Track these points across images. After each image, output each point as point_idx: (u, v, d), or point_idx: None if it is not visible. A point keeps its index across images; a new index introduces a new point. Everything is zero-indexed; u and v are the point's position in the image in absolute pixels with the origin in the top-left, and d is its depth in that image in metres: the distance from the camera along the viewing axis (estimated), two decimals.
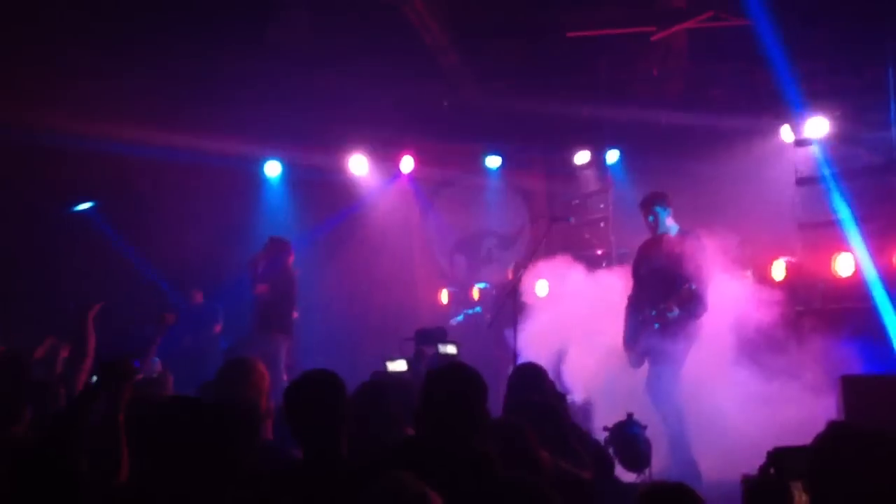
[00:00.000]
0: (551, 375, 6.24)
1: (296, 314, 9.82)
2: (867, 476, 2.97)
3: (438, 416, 3.87)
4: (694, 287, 7.50)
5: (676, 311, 7.60)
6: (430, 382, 4.01)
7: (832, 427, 3.22)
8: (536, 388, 5.64)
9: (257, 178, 12.18)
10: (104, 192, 10.95)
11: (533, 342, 8.33)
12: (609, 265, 10.08)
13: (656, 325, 7.73)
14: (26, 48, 9.39)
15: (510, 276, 9.05)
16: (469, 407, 3.87)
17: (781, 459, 4.10)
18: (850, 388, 6.62)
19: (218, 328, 11.09)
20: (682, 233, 8.00)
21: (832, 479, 3.01)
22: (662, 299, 7.64)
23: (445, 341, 7.92)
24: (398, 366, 7.54)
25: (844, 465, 2.99)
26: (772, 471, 4.32)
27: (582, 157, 11.35)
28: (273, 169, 12.14)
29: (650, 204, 8.09)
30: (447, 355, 7.81)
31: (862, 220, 9.03)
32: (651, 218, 8.05)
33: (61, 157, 10.42)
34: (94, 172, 10.95)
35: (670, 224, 8.06)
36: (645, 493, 3.21)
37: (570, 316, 9.03)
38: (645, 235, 8.24)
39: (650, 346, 7.72)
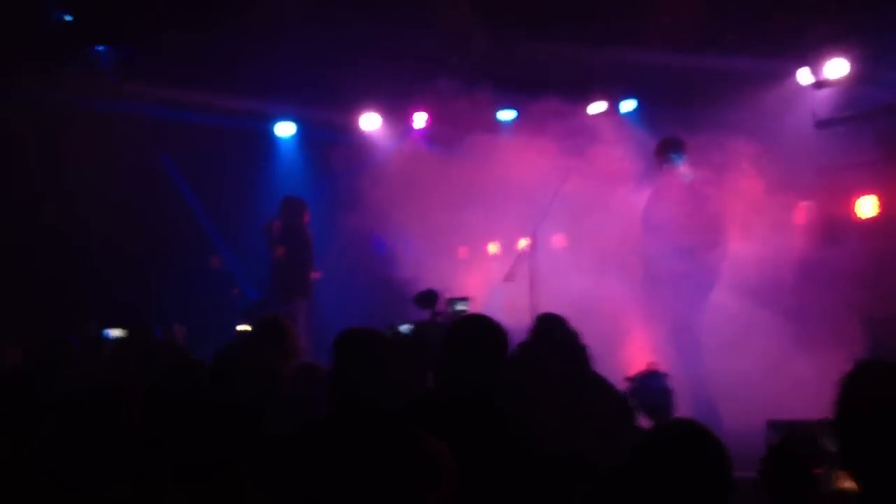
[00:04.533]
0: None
1: (317, 274, 9.81)
2: None
3: (460, 367, 3.87)
4: (713, 240, 7.44)
5: (697, 260, 7.55)
6: (452, 333, 4.00)
7: (859, 366, 3.08)
8: (557, 339, 5.61)
9: (270, 139, 12.13)
10: (112, 154, 10.89)
11: (552, 294, 8.29)
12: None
13: (674, 270, 7.68)
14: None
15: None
16: (490, 356, 3.87)
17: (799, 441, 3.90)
18: (875, 328, 6.55)
19: (235, 293, 11.10)
20: (696, 181, 7.92)
21: (862, 420, 2.87)
22: (679, 244, 7.57)
23: (456, 298, 7.91)
24: (404, 328, 7.56)
25: (875, 404, 2.86)
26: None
27: (597, 107, 11.22)
28: (285, 129, 12.09)
29: (665, 150, 8.02)
30: (459, 312, 7.82)
31: (883, 161, 8.88)
32: (666, 164, 7.98)
33: (72, 117, 10.41)
34: (114, 130, 10.91)
35: (685, 171, 7.98)
36: (657, 433, 3.12)
37: (590, 265, 9.00)
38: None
39: (670, 290, 7.68)
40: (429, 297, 7.69)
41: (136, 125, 10.84)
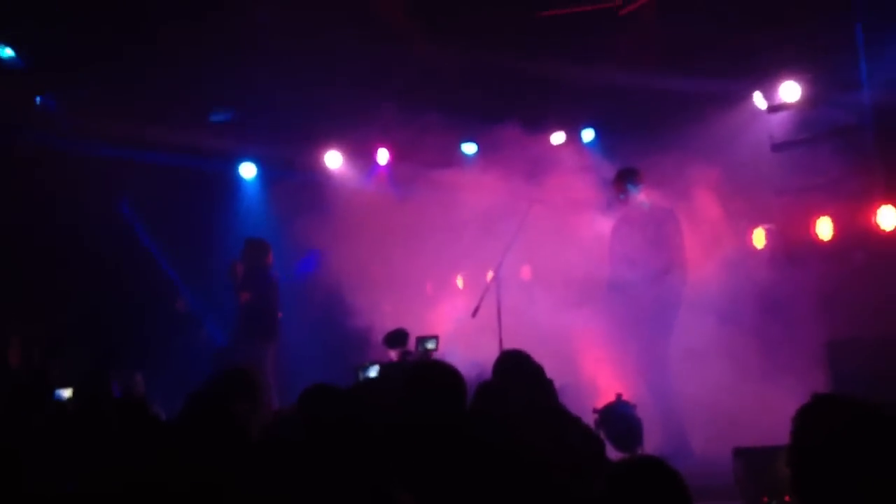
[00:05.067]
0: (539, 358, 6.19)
1: (279, 314, 9.78)
2: (851, 449, 2.92)
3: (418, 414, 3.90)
4: (671, 262, 7.53)
5: (659, 284, 7.63)
6: (409, 385, 4.03)
7: (814, 399, 3.16)
8: (520, 374, 5.61)
9: (233, 180, 12.12)
10: (81, 195, 10.82)
11: (518, 327, 8.31)
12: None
13: (639, 300, 7.75)
14: None
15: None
16: (448, 403, 3.90)
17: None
18: (837, 352, 6.62)
19: (203, 334, 11.03)
20: (655, 208, 8.01)
21: (814, 454, 2.95)
22: (641, 274, 7.65)
23: (425, 337, 7.92)
24: (372, 371, 7.57)
25: (827, 440, 2.94)
26: None
27: (557, 137, 11.31)
28: (248, 170, 12.08)
29: (621, 181, 8.12)
30: (428, 350, 7.83)
31: (838, 182, 9.02)
32: (622, 195, 8.08)
33: (37, 159, 10.33)
34: (70, 175, 10.82)
35: (642, 199, 8.07)
36: (616, 470, 3.14)
37: (555, 298, 9.03)
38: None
39: (635, 321, 7.74)
40: (398, 337, 7.70)
41: (94, 167, 10.76)
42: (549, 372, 6.37)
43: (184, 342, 10.67)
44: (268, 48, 10.07)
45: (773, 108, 9.98)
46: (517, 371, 5.61)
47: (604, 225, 8.87)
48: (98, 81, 10.14)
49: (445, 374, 4.21)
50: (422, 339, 7.97)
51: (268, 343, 9.30)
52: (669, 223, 8.07)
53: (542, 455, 4.68)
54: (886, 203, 8.59)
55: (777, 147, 9.80)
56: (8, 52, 9.41)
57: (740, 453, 5.53)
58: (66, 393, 6.69)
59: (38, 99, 10.19)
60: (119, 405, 4.65)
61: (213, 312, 11.10)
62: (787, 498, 5.19)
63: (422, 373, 4.24)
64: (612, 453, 6.29)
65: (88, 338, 10.17)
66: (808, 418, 3.06)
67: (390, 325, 8.04)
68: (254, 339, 9.21)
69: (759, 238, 9.40)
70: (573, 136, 11.35)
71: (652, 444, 6.90)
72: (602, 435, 6.32)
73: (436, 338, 8.00)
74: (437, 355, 7.87)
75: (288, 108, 10.94)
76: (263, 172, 12.15)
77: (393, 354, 7.78)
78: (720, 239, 8.70)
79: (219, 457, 4.15)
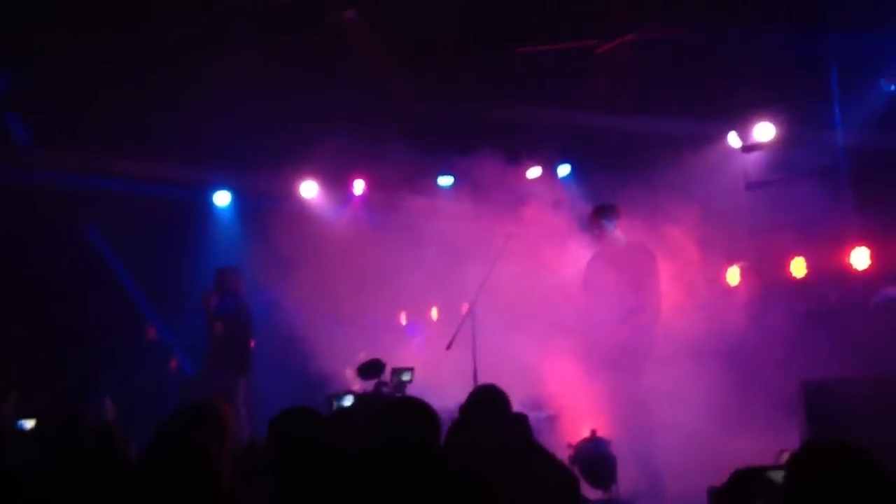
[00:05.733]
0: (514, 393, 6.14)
1: (252, 343, 9.68)
2: (844, 494, 2.93)
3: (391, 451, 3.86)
4: (645, 299, 7.54)
5: (633, 321, 7.63)
6: (382, 420, 4.00)
7: (808, 447, 3.20)
8: (494, 409, 5.56)
9: (206, 208, 12.03)
10: (49, 225, 10.71)
11: (493, 361, 8.27)
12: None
13: (613, 336, 7.74)
14: None
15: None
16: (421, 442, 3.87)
17: (749, 476, 4.05)
18: (811, 392, 6.62)
19: (173, 364, 10.90)
20: (631, 245, 8.03)
21: (807, 499, 2.97)
22: (615, 310, 7.65)
23: (401, 369, 7.86)
24: (346, 402, 7.49)
25: (822, 487, 2.95)
26: (738, 485, 4.27)
27: (533, 172, 11.34)
28: (223, 198, 12.00)
29: (596, 218, 8.15)
30: (403, 382, 7.76)
31: (812, 222, 9.09)
32: (598, 231, 8.10)
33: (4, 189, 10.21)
34: (38, 205, 10.72)
35: (618, 236, 8.10)
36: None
37: (530, 332, 9.00)
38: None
39: (610, 358, 7.72)
40: (373, 367, 7.63)
41: (63, 197, 10.66)
42: (523, 406, 6.35)
43: (153, 371, 10.55)
44: (245, 79, 10.07)
45: (748, 148, 10.06)
46: (491, 406, 5.56)
47: (579, 259, 8.86)
48: (68, 111, 10.07)
49: (419, 410, 4.16)
50: (397, 371, 7.91)
51: (240, 373, 9.19)
52: (644, 260, 8.10)
53: (515, 493, 4.64)
54: (860, 244, 8.67)
55: (751, 186, 9.87)
56: None
57: (716, 493, 5.48)
58: (29, 424, 6.51)
59: (6, 117, 10.05)
60: (89, 433, 4.55)
61: (182, 341, 10.96)
62: None
63: (394, 409, 4.19)
64: (587, 489, 6.26)
65: (56, 368, 10.00)
66: (801, 464, 3.09)
67: (364, 356, 7.97)
68: (226, 370, 9.10)
69: (733, 276, 9.44)
70: (549, 171, 11.37)
71: (626, 481, 6.86)
72: (576, 470, 6.26)
73: (411, 369, 7.94)
74: (411, 387, 7.81)
75: (264, 136, 10.90)
76: (238, 201, 12.06)
77: (367, 385, 7.70)
78: (695, 277, 8.72)
79: (184, 491, 4.07)
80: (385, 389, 7.63)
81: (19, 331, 10.07)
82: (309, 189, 11.85)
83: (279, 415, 4.21)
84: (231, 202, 12.06)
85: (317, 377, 9.88)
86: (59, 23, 8.89)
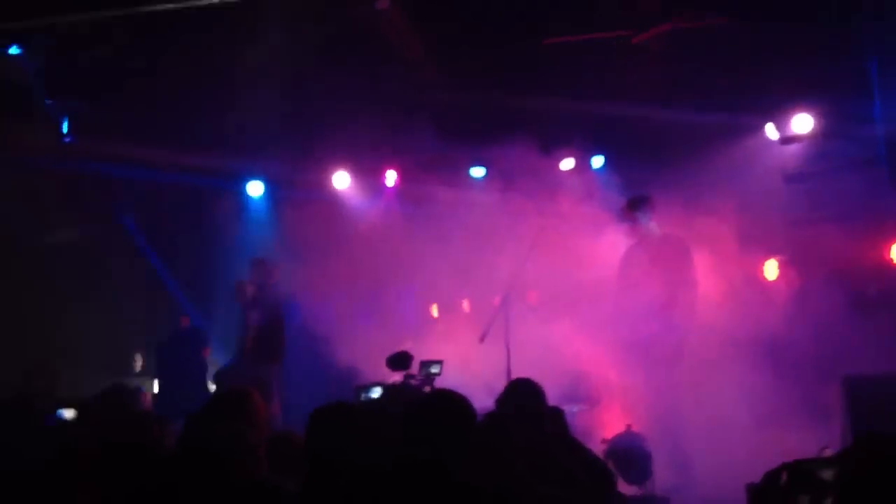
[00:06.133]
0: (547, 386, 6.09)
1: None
2: None
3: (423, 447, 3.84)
4: (680, 291, 7.46)
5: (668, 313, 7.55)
6: (416, 415, 3.97)
7: (863, 440, 3.13)
8: (529, 403, 5.52)
9: (241, 198, 12.07)
10: (85, 215, 10.79)
11: (527, 354, 8.21)
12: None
13: (648, 329, 7.66)
14: None
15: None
16: (454, 435, 3.83)
17: (796, 470, 3.97)
18: (852, 388, 6.52)
19: (206, 352, 10.95)
20: (665, 237, 7.94)
21: (863, 494, 2.90)
22: (651, 305, 7.57)
23: (430, 361, 7.81)
24: (374, 393, 7.46)
25: (876, 480, 2.88)
26: (783, 479, 4.20)
27: (567, 163, 11.26)
28: (256, 188, 12.04)
29: (629, 210, 8.06)
30: (432, 374, 7.72)
31: (852, 215, 8.95)
32: (632, 224, 8.02)
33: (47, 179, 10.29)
34: (76, 194, 10.81)
35: (652, 228, 8.01)
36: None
37: (565, 323, 8.95)
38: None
39: (642, 352, 7.66)
40: (402, 360, 7.58)
41: (100, 185, 10.73)
42: (556, 400, 6.30)
43: (187, 360, 10.59)
44: (278, 71, 10.07)
45: (786, 140, 9.92)
46: (526, 400, 5.52)
47: (614, 252, 8.78)
48: (106, 101, 10.12)
49: (453, 401, 4.11)
50: (426, 364, 7.85)
51: (274, 363, 9.20)
52: (679, 253, 8.00)
53: (549, 488, 4.60)
54: None
55: (790, 178, 9.74)
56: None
57: (756, 489, 5.39)
58: (69, 413, 6.50)
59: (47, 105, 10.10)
60: (126, 422, 4.57)
61: (216, 331, 11.02)
62: None
63: (428, 401, 4.15)
64: (622, 484, 6.21)
65: (91, 355, 10.09)
66: (856, 457, 3.02)
67: (394, 348, 7.92)
68: (261, 359, 9.11)
69: (771, 270, 9.31)
70: (583, 162, 11.29)
71: (661, 476, 6.79)
72: (611, 465, 6.21)
73: (440, 362, 7.88)
74: (440, 380, 7.78)
75: (297, 127, 10.90)
76: (270, 191, 12.10)
77: (396, 377, 7.67)
78: (731, 270, 8.61)
79: (225, 480, 4.08)
80: (413, 382, 7.60)
81: (50, 317, 10.17)
82: (341, 180, 11.84)
83: (318, 409, 4.20)
84: (264, 192, 12.09)
85: (346, 368, 9.87)
86: (97, 10, 8.91)
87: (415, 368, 7.75)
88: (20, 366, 9.19)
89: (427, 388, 7.55)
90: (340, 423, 4.09)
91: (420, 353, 8.44)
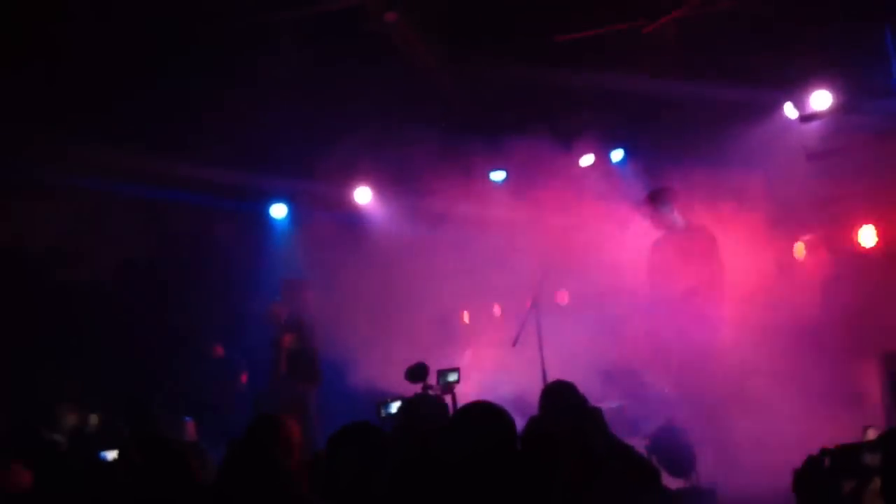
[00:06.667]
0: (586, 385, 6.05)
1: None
2: None
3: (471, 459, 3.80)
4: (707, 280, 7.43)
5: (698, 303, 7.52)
6: (454, 432, 3.95)
7: None
8: (569, 405, 5.50)
9: (265, 222, 12.11)
10: (103, 235, 10.82)
11: (560, 354, 8.19)
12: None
13: (680, 319, 7.63)
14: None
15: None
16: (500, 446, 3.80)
17: (838, 455, 3.93)
18: (893, 363, 6.44)
19: (244, 378, 10.99)
20: (690, 227, 7.90)
21: None
22: (680, 296, 7.54)
23: (446, 370, 7.80)
24: (394, 407, 7.47)
25: None
26: (826, 464, 4.16)
27: (587, 160, 11.22)
28: (279, 210, 12.08)
29: (651, 203, 8.04)
30: (450, 383, 7.72)
31: (878, 188, 8.85)
32: (654, 217, 7.99)
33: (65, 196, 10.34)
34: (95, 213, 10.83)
35: (676, 218, 7.97)
36: None
37: (596, 320, 8.93)
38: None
39: (678, 340, 7.62)
40: (418, 371, 7.58)
41: (124, 207, 10.78)
42: (595, 398, 6.28)
43: (224, 388, 10.63)
44: (294, 87, 10.11)
45: (806, 118, 9.81)
46: (563, 403, 5.51)
47: (640, 246, 8.74)
48: (127, 119, 10.14)
49: (486, 412, 4.04)
50: (442, 372, 7.81)
51: (311, 384, 9.21)
52: (705, 242, 7.96)
53: (596, 489, 4.59)
54: None
55: (812, 156, 9.63)
56: None
57: (801, 473, 5.33)
58: (112, 455, 6.45)
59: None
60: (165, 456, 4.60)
61: (249, 356, 11.02)
62: None
63: (462, 415, 4.09)
64: (666, 478, 6.16)
65: (121, 389, 10.09)
66: None
67: (425, 358, 7.91)
68: (297, 380, 9.12)
69: (800, 250, 9.23)
70: (602, 157, 11.23)
71: (705, 469, 6.74)
72: (654, 461, 6.18)
73: (457, 370, 7.85)
74: (484, 383, 7.78)
75: (316, 145, 10.93)
76: (294, 212, 12.13)
77: (416, 389, 7.67)
78: (760, 253, 8.54)
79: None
80: (432, 392, 7.59)
81: (81, 352, 10.19)
82: (363, 195, 11.86)
83: (336, 432, 4.23)
84: (287, 214, 12.13)
85: (371, 387, 9.85)
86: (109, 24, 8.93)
87: (432, 378, 7.74)
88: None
89: (447, 397, 7.56)
90: (357, 443, 4.12)
91: (453, 363, 8.44)
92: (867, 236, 8.79)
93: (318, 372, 9.35)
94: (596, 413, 5.68)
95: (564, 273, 9.28)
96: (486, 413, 3.95)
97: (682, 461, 6.55)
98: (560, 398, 5.51)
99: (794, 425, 6.74)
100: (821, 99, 9.61)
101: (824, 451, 3.93)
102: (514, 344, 8.23)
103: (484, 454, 3.74)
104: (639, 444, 6.33)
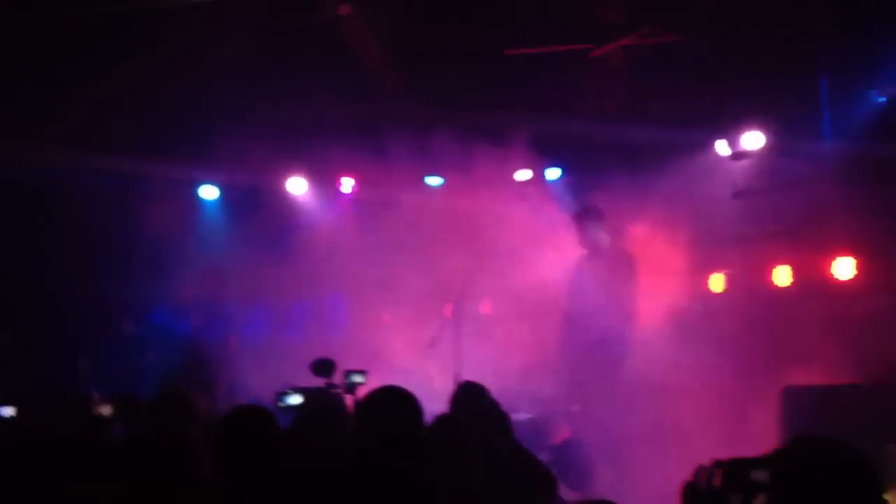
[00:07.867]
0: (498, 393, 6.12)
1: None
2: (834, 492, 2.91)
3: (379, 440, 3.83)
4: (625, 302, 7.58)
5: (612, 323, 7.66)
6: (368, 407, 3.96)
7: (798, 441, 3.17)
8: (477, 406, 5.56)
9: (193, 203, 11.95)
10: (35, 219, 10.64)
11: (476, 360, 8.26)
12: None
13: (593, 337, 7.76)
14: None
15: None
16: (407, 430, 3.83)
17: (728, 469, 4.02)
18: (791, 399, 6.64)
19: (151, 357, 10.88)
20: (614, 248, 8.06)
21: (797, 495, 2.95)
22: (595, 313, 7.68)
23: (353, 370, 7.74)
24: (295, 399, 7.40)
25: (809, 483, 2.94)
26: (715, 477, 4.24)
27: (523, 174, 11.33)
28: (209, 192, 11.93)
29: (582, 218, 8.16)
30: (355, 384, 7.65)
31: (798, 231, 9.11)
32: (582, 234, 8.12)
33: None
34: (25, 200, 10.66)
35: (601, 238, 8.11)
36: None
37: (516, 332, 9.00)
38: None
39: (589, 357, 7.75)
40: (325, 366, 7.53)
41: (50, 192, 10.59)
42: (506, 406, 6.33)
43: (131, 365, 10.49)
44: (235, 74, 10.03)
45: (737, 156, 10.06)
46: (473, 404, 5.56)
47: (564, 261, 8.87)
48: (55, 106, 9.95)
49: (401, 398, 4.11)
50: (349, 373, 7.75)
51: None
52: (625, 264, 8.12)
53: (495, 492, 4.63)
54: (844, 254, 8.70)
55: (738, 194, 9.87)
56: None
57: (690, 486, 5.46)
58: (8, 411, 6.40)
59: None
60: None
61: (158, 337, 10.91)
62: None
63: (378, 399, 4.12)
64: (564, 490, 6.25)
65: (34, 358, 9.91)
66: (790, 457, 3.07)
67: (342, 354, 7.86)
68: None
69: (717, 283, 9.45)
70: (538, 174, 11.35)
71: (603, 483, 6.85)
72: (554, 471, 6.25)
73: (364, 372, 7.79)
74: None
75: (252, 132, 10.83)
76: (225, 196, 11.99)
77: (319, 383, 7.61)
78: (678, 281, 8.73)
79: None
80: (334, 390, 7.54)
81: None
82: (297, 186, 11.79)
83: (228, 414, 4.22)
84: (218, 197, 11.98)
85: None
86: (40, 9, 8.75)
87: (338, 377, 7.69)
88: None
89: (349, 397, 7.50)
90: (249, 426, 4.10)
91: (369, 361, 8.42)
92: (782, 276, 9.04)
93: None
94: (503, 417, 5.75)
95: (491, 283, 9.35)
96: (396, 395, 3.99)
97: (579, 475, 6.65)
98: (470, 398, 5.57)
99: (693, 448, 6.87)
100: (753, 139, 9.86)
101: (718, 464, 4.02)
102: (429, 346, 8.27)
103: (393, 433, 3.78)
104: (541, 456, 6.41)
